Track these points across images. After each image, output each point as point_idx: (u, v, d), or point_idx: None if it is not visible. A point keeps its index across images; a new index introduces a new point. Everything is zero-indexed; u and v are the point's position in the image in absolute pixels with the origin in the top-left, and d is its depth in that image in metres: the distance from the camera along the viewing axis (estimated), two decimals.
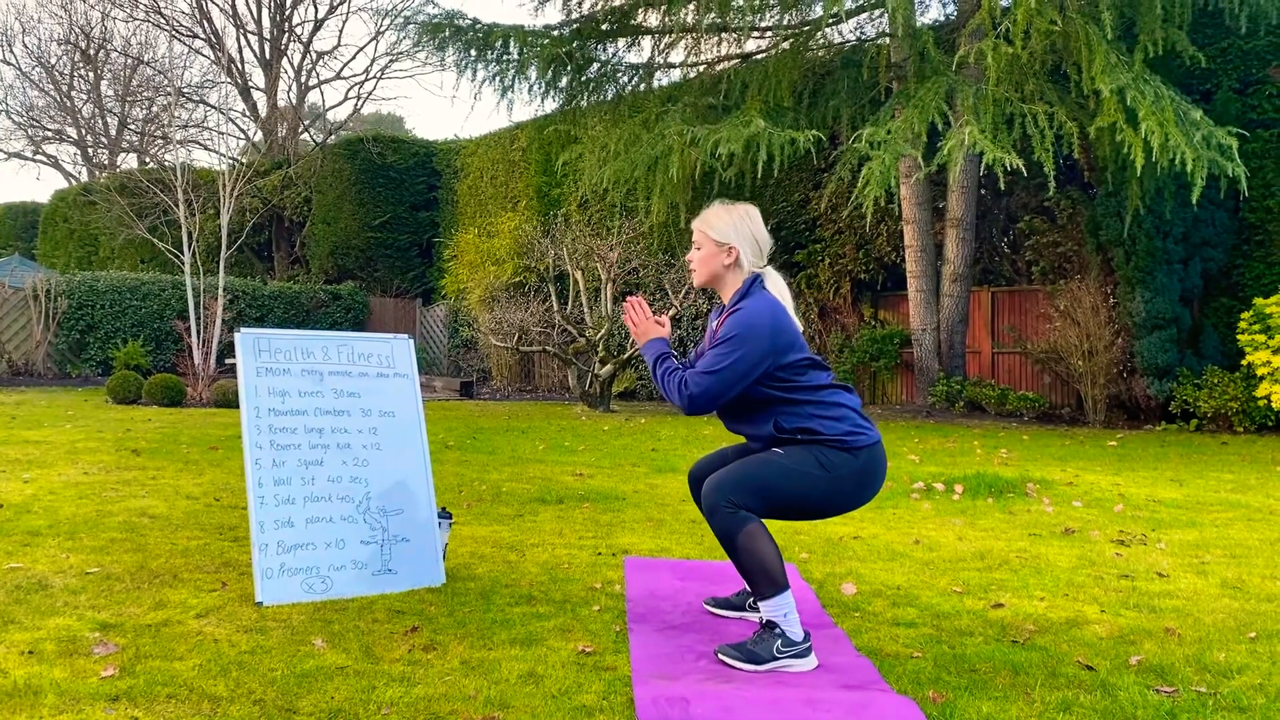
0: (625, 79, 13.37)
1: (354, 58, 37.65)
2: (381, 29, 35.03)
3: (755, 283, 2.98)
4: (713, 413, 2.94)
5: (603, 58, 13.29)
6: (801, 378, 2.90)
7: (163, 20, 27.24)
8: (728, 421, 3.05)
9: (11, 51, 44.94)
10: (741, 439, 3.17)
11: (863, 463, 2.88)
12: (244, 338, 3.63)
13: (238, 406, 3.56)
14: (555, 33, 12.71)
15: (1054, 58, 10.24)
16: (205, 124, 30.19)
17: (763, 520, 2.84)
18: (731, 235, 3.00)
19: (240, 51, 27.21)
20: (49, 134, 32.79)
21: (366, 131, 23.36)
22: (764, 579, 2.79)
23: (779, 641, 2.77)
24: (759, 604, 2.84)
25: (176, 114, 27.37)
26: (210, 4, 26.78)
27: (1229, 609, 3.42)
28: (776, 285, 3.02)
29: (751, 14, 11.70)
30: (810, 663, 2.79)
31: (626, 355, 12.72)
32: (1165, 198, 10.41)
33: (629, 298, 3.16)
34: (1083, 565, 4.08)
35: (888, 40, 12.05)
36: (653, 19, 12.96)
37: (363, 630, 3.02)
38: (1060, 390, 12.36)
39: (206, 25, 26.51)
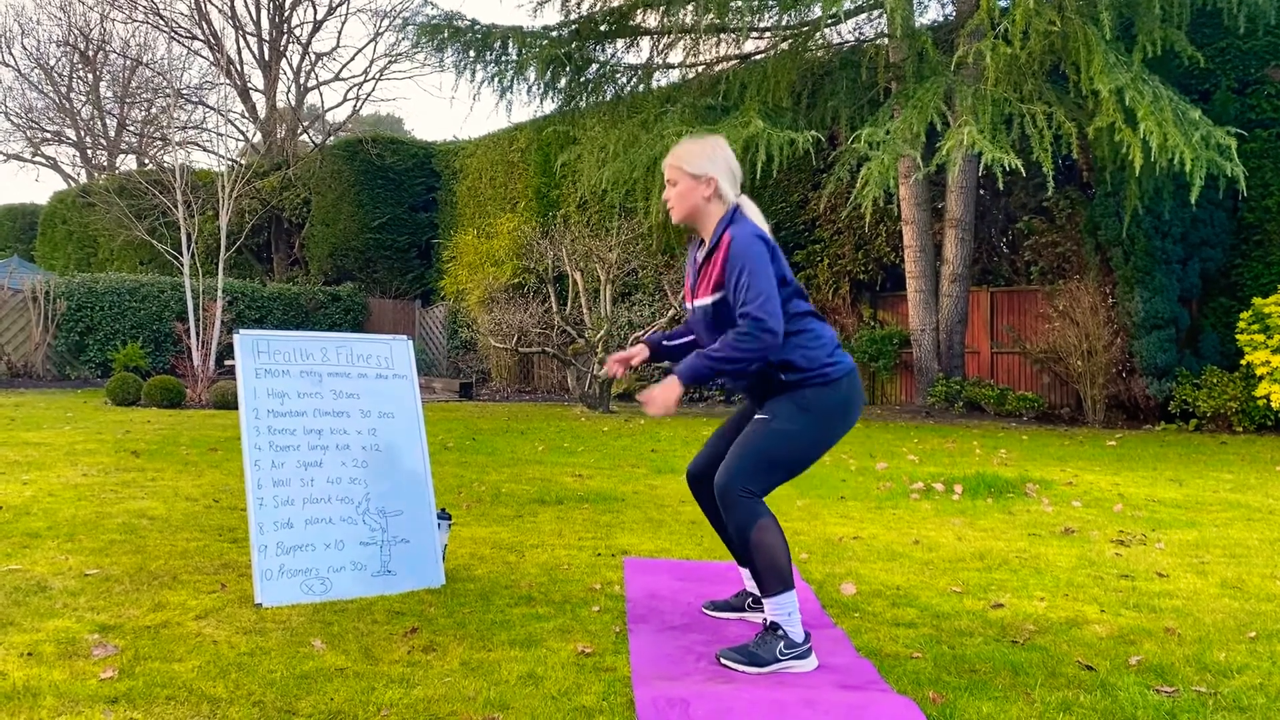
0: (624, 80, 13.38)
1: (353, 59, 37.85)
2: (380, 30, 35.18)
3: (736, 212, 2.96)
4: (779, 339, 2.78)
5: (601, 58, 13.29)
6: (787, 304, 2.88)
7: (161, 22, 27.26)
8: None
9: (10, 53, 44.89)
10: (716, 426, 3.17)
11: (843, 393, 2.89)
12: (243, 339, 3.62)
13: (237, 408, 3.56)
14: (554, 34, 12.71)
15: (1052, 58, 10.24)
16: (204, 125, 30.24)
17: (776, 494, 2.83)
18: (708, 166, 2.95)
19: (239, 53, 27.20)
20: (48, 136, 32.80)
21: (365, 133, 23.36)
22: (772, 575, 2.79)
23: (781, 644, 2.77)
24: (764, 600, 2.84)
25: (175, 115, 27.38)
26: (209, 5, 26.79)
27: (1229, 609, 3.42)
28: (754, 213, 2.99)
29: (750, 15, 11.71)
30: (811, 663, 2.79)
31: None
32: (1164, 197, 10.42)
33: (615, 358, 3.10)
34: (1082, 565, 4.08)
35: (886, 41, 12.05)
36: (651, 20, 12.97)
37: (362, 631, 3.02)
38: (1059, 390, 12.36)
39: (205, 27, 26.52)
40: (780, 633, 2.78)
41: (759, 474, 2.82)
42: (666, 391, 2.83)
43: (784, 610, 2.79)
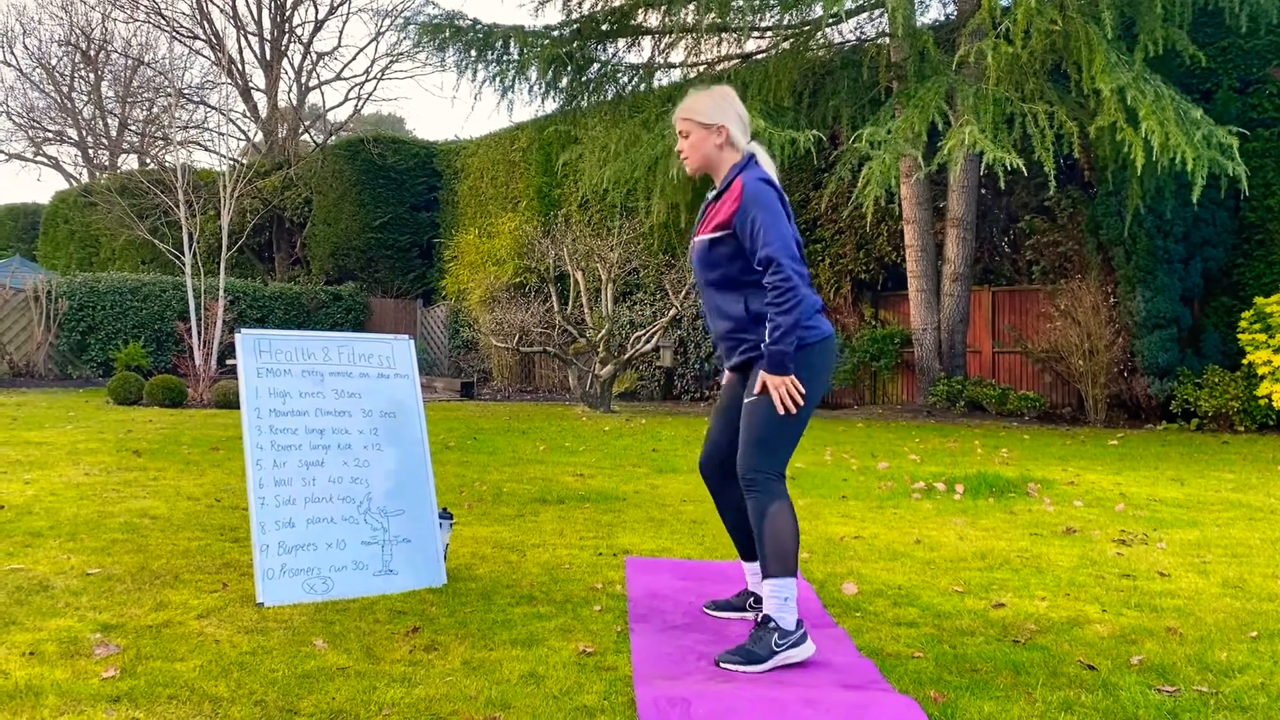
0: (625, 79, 13.37)
1: (354, 59, 37.78)
2: (382, 30, 35.15)
3: (751, 160, 3.00)
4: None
5: (603, 58, 13.29)
6: None
7: (163, 21, 27.26)
8: (706, 299, 3.09)
9: (12, 53, 45.03)
10: (711, 413, 3.20)
11: (814, 359, 2.92)
12: (245, 338, 3.63)
13: (238, 407, 3.57)
14: (555, 33, 12.71)
15: (1054, 57, 10.24)
16: (206, 125, 30.20)
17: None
18: (718, 115, 3.01)
19: (240, 52, 27.25)
20: (50, 135, 32.82)
21: (367, 132, 23.36)
22: (776, 558, 2.83)
23: (775, 636, 2.77)
24: (763, 580, 2.86)
25: (177, 115, 27.38)
26: (210, 5, 26.81)
27: (1230, 608, 3.42)
28: (766, 161, 3.04)
29: (751, 14, 11.70)
30: (808, 648, 2.80)
31: (627, 356, 12.72)
32: (1165, 197, 10.41)
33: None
34: (1084, 565, 4.08)
35: (888, 40, 12.04)
36: (653, 19, 12.97)
37: (364, 631, 3.02)
38: (1061, 390, 12.35)
39: (207, 26, 26.52)
40: (771, 625, 2.79)
41: (771, 452, 2.89)
42: (777, 391, 2.84)
43: (780, 594, 2.81)
